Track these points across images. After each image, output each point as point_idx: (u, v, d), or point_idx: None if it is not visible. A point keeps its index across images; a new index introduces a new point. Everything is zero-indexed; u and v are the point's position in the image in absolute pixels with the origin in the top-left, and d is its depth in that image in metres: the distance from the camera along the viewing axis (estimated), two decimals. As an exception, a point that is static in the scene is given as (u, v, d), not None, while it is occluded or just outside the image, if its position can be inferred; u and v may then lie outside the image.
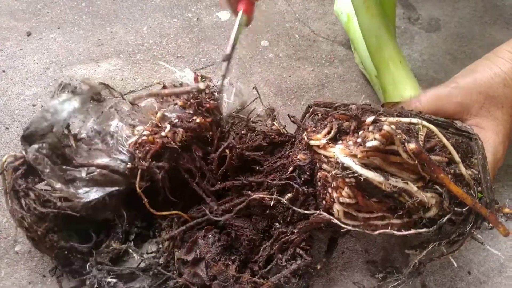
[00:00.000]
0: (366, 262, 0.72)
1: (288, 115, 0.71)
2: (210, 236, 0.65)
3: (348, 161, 0.51)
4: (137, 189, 0.62)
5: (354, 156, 0.51)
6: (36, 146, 0.60)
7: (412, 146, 0.48)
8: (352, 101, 0.66)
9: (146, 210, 0.64)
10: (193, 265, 0.63)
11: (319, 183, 0.59)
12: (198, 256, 0.63)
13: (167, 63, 1.03)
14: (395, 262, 0.72)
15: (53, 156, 0.61)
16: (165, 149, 0.65)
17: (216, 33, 1.12)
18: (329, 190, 0.57)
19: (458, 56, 1.10)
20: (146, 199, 0.63)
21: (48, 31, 1.08)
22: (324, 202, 0.58)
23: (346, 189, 0.53)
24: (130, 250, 0.67)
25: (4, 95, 0.92)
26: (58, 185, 0.60)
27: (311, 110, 0.64)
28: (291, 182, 0.62)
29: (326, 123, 0.59)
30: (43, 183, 0.63)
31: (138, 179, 0.63)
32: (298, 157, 0.61)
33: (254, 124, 0.74)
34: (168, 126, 0.65)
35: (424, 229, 0.55)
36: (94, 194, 0.62)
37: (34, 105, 0.91)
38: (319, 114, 0.62)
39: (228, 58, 0.70)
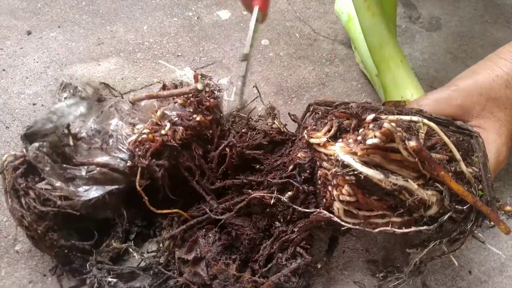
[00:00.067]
0: (367, 261, 0.72)
1: (289, 113, 0.71)
2: (210, 235, 0.65)
3: (348, 159, 0.51)
4: (137, 187, 0.62)
5: (354, 154, 0.51)
6: (36, 144, 0.60)
7: (412, 143, 0.48)
8: (353, 100, 0.66)
9: (147, 209, 0.64)
10: (193, 264, 0.63)
11: (319, 181, 0.59)
12: (199, 255, 0.63)
13: (168, 62, 1.02)
14: (396, 262, 0.72)
15: (54, 154, 0.61)
16: (165, 147, 0.65)
17: (216, 32, 1.12)
18: (329, 188, 0.57)
19: (458, 55, 1.10)
20: (146, 197, 0.63)
21: (48, 30, 1.08)
22: (324, 200, 0.58)
23: (346, 187, 0.53)
24: (131, 249, 0.67)
25: (4, 94, 0.92)
26: (58, 184, 0.60)
27: (311, 109, 0.64)
28: (291, 181, 0.62)
29: (326, 121, 0.58)
30: (43, 182, 0.63)
31: (138, 177, 0.63)
32: (299, 155, 0.61)
33: (254, 123, 0.74)
34: (168, 124, 0.65)
35: (424, 227, 0.55)
36: (94, 192, 0.62)
37: (34, 104, 0.91)
38: (320, 113, 0.62)
39: (247, 57, 0.69)
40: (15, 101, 0.91)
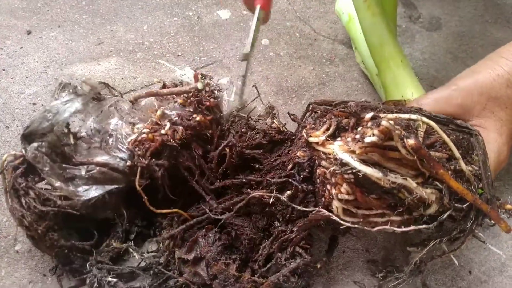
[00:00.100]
0: (367, 261, 0.72)
1: (288, 113, 0.71)
2: (210, 235, 0.65)
3: (346, 157, 0.51)
4: (137, 186, 0.62)
5: (353, 152, 0.51)
6: (35, 144, 0.60)
7: (411, 141, 0.47)
8: (353, 99, 0.66)
9: (147, 209, 0.64)
10: (193, 264, 0.63)
11: (318, 180, 0.59)
12: (199, 255, 0.63)
13: (168, 61, 1.02)
14: (396, 262, 0.72)
15: (53, 154, 0.61)
16: (165, 147, 0.65)
17: (216, 31, 1.11)
18: (328, 187, 0.56)
19: (459, 55, 1.09)
20: (146, 197, 0.63)
21: (48, 29, 1.08)
22: (323, 199, 0.58)
23: (344, 185, 0.53)
24: (131, 249, 0.67)
25: (4, 93, 0.92)
26: (57, 183, 0.60)
27: (311, 108, 0.64)
28: (290, 180, 0.61)
29: (325, 120, 0.58)
30: (43, 182, 0.63)
31: (137, 177, 0.62)
32: (298, 154, 0.61)
33: (254, 123, 0.74)
34: (168, 124, 0.65)
35: (424, 226, 0.54)
36: (93, 192, 0.62)
37: (34, 104, 0.91)
38: (319, 112, 0.61)
39: (247, 57, 0.68)
40: (15, 100, 0.91)
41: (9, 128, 0.86)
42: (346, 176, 0.52)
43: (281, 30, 1.13)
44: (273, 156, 0.67)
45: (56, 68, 0.99)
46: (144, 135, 0.64)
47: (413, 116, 0.53)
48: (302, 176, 0.61)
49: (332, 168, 0.54)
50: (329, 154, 0.55)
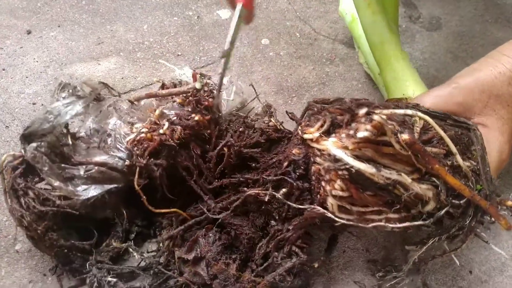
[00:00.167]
0: (367, 261, 0.72)
1: (286, 111, 0.70)
2: (210, 235, 0.65)
3: (339, 153, 0.50)
4: (136, 186, 0.62)
5: (346, 148, 0.50)
6: (34, 144, 0.60)
7: (405, 136, 0.47)
8: (353, 99, 0.65)
9: (147, 209, 0.64)
10: (193, 264, 0.63)
11: (313, 178, 0.58)
12: (199, 255, 0.63)
13: (168, 61, 1.02)
14: (396, 261, 0.72)
15: (52, 154, 0.61)
16: (163, 147, 0.65)
17: (216, 31, 1.11)
18: (323, 183, 0.56)
19: (459, 54, 1.09)
20: (144, 197, 0.63)
21: (48, 29, 1.08)
22: (318, 196, 0.58)
23: (338, 181, 0.52)
24: (131, 249, 0.67)
25: (4, 93, 0.92)
26: (56, 183, 0.60)
27: (308, 107, 0.63)
28: (285, 177, 0.61)
29: (319, 117, 0.58)
30: (43, 182, 0.63)
31: (136, 176, 0.62)
32: (293, 151, 0.60)
33: (251, 121, 0.73)
34: (166, 124, 0.65)
35: (419, 222, 0.54)
36: (92, 191, 0.62)
37: (34, 104, 0.91)
38: (315, 109, 0.61)
39: (226, 54, 0.68)
40: (15, 100, 0.91)
41: (9, 128, 0.86)
42: (340, 172, 0.51)
43: (281, 30, 1.13)
44: (270, 154, 0.67)
45: (56, 68, 0.98)
46: (142, 135, 0.64)
47: (409, 112, 0.52)
48: (297, 173, 0.61)
49: (325, 164, 0.53)
50: (323, 150, 0.54)
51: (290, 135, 0.69)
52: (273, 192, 0.60)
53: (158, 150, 0.64)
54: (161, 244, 0.68)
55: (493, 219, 0.54)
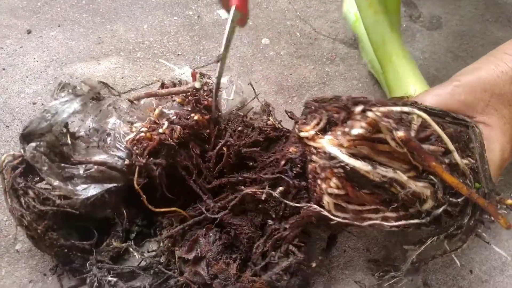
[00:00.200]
0: (368, 260, 0.72)
1: (285, 110, 0.70)
2: (211, 234, 0.65)
3: (333, 150, 0.50)
4: (135, 185, 0.62)
5: (341, 145, 0.50)
6: (33, 144, 0.60)
7: (400, 133, 0.46)
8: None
9: (147, 209, 0.64)
10: (194, 263, 0.63)
11: (310, 176, 0.58)
12: (199, 255, 0.63)
13: (168, 61, 1.02)
14: (396, 261, 0.72)
15: (51, 154, 0.61)
16: (163, 146, 0.65)
17: (216, 31, 1.11)
18: (319, 181, 0.55)
19: (459, 54, 1.09)
20: (144, 196, 0.63)
21: (48, 29, 1.08)
22: (315, 194, 0.57)
23: (334, 179, 0.52)
24: (131, 249, 0.67)
25: (4, 93, 0.92)
26: (56, 183, 0.60)
27: (305, 105, 0.63)
28: (282, 176, 0.61)
29: (316, 115, 0.58)
30: (44, 182, 0.63)
31: (136, 175, 0.62)
32: (290, 150, 0.60)
33: (250, 120, 0.73)
34: (166, 123, 0.65)
35: (415, 220, 0.53)
36: (92, 190, 0.62)
37: (34, 103, 0.91)
38: (312, 108, 0.61)
39: (221, 58, 0.67)
40: (15, 100, 0.91)
41: (9, 128, 0.86)
42: (335, 170, 0.51)
43: (282, 29, 1.13)
44: (268, 153, 0.67)
45: (56, 68, 0.98)
46: (142, 134, 0.64)
47: (405, 109, 0.51)
48: (294, 172, 0.60)
49: (321, 162, 0.53)
50: (319, 148, 0.54)
51: (288, 134, 0.69)
52: (270, 191, 0.60)
53: (157, 149, 0.64)
54: (161, 244, 0.68)
55: (492, 218, 0.53)
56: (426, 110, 0.56)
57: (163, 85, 0.74)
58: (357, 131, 0.47)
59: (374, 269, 0.70)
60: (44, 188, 0.62)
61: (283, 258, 0.61)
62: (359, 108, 0.50)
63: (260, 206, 0.63)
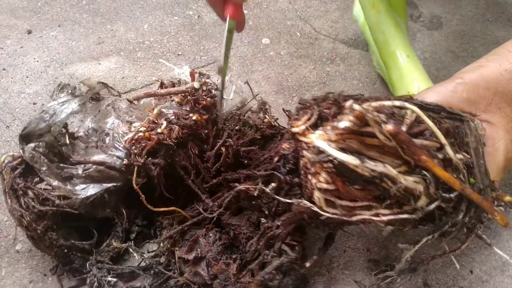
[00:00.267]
0: (368, 261, 0.72)
1: (283, 109, 0.70)
2: (211, 235, 0.65)
3: (321, 144, 0.49)
4: (134, 185, 0.62)
5: (330, 140, 0.49)
6: (32, 145, 0.60)
7: (389, 126, 0.45)
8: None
9: (147, 209, 0.64)
10: (194, 264, 0.63)
11: (301, 172, 0.57)
12: (199, 255, 0.63)
13: (168, 61, 1.02)
14: (396, 261, 0.72)
15: (50, 154, 0.62)
16: (161, 146, 0.65)
17: (217, 31, 1.11)
18: (309, 177, 0.54)
19: (459, 54, 1.09)
20: (143, 196, 0.63)
21: (48, 29, 1.08)
22: (306, 190, 0.56)
23: (323, 174, 0.51)
24: (131, 249, 0.67)
25: (5, 93, 0.92)
26: (55, 183, 0.60)
27: (299, 103, 0.63)
28: (275, 172, 0.61)
29: (308, 110, 0.57)
30: (43, 182, 0.63)
31: (134, 175, 0.62)
32: (283, 146, 0.60)
33: (248, 119, 0.73)
34: (164, 123, 0.65)
35: (405, 215, 0.52)
36: (91, 190, 0.62)
37: (34, 103, 0.91)
38: (307, 104, 0.60)
39: (222, 71, 0.66)
40: (15, 100, 0.91)
41: (9, 128, 0.86)
42: (325, 164, 0.50)
43: (282, 29, 1.13)
44: (263, 151, 0.67)
45: (57, 68, 0.99)
46: (140, 134, 0.64)
47: (396, 103, 0.50)
48: (287, 168, 0.60)
49: (310, 157, 0.52)
50: (309, 143, 0.53)
51: (284, 132, 0.68)
52: (262, 187, 0.59)
53: (156, 149, 0.64)
54: (161, 244, 0.68)
55: (489, 215, 0.52)
56: (419, 104, 0.55)
57: (162, 85, 0.74)
58: (344, 124, 0.47)
59: (374, 269, 0.70)
60: (44, 189, 0.62)
61: (276, 257, 0.60)
62: (349, 103, 0.49)
63: (253, 202, 0.63)
